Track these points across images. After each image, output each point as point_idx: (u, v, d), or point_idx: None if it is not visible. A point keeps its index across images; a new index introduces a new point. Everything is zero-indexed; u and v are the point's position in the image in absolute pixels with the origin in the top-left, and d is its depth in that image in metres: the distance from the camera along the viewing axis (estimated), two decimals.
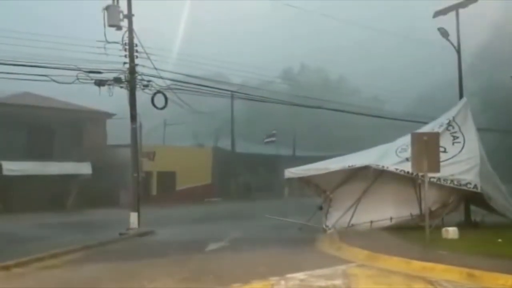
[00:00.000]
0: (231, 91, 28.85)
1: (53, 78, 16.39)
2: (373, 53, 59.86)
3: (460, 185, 14.11)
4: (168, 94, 19.06)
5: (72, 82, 17.03)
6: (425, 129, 15.86)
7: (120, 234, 16.33)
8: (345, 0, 58.79)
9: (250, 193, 40.71)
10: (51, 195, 28.69)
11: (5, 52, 16.91)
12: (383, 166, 14.87)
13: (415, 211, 15.17)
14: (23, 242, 14.29)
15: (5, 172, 27.14)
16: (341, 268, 9.44)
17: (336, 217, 15.83)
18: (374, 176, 15.36)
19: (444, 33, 17.15)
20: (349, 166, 15.57)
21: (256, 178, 42.49)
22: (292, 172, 17.09)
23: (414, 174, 13.25)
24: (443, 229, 12.69)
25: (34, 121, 29.34)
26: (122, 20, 17.55)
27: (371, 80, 52.59)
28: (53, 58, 17.38)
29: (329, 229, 15.38)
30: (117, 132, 30.66)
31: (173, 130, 44.75)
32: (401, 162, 14.62)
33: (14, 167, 27.42)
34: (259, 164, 42.82)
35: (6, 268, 10.18)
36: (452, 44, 17.31)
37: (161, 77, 19.05)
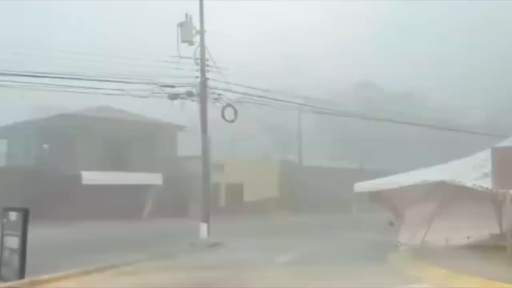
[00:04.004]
0: (299, 103, 28.81)
1: (130, 92, 17.18)
2: (448, 64, 57.58)
3: None
4: (237, 107, 19.40)
5: (147, 96, 17.80)
6: (507, 142, 15.00)
7: (191, 244, 16.66)
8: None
9: (318, 207, 40.27)
10: (125, 204, 29.83)
11: (86, 69, 17.96)
12: (459, 182, 14.19)
13: (495, 230, 14.35)
14: (100, 249, 14.92)
15: (84, 182, 28.58)
16: (416, 287, 9.10)
17: (409, 234, 15.25)
18: (449, 192, 14.70)
19: None
20: (422, 181, 15.01)
21: (324, 192, 42.01)
22: (362, 186, 16.71)
23: (495, 190, 12.56)
24: None
25: (111, 133, 30.78)
26: (194, 36, 18.15)
27: (446, 93, 50.70)
28: (128, 73, 18.24)
29: (402, 245, 14.87)
30: (187, 144, 31.52)
31: (241, 142, 45.32)
32: (480, 177, 13.89)
33: (92, 177, 28.83)
34: (327, 177, 42.35)
35: (87, 273, 10.73)
36: None
37: (231, 91, 19.43)
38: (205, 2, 18.49)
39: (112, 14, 55.24)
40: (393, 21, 56.22)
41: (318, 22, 62.62)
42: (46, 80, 17.16)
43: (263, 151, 46.30)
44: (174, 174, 31.92)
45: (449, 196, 14.74)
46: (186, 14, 18.21)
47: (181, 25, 18.01)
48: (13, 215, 9.72)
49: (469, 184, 13.99)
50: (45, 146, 30.70)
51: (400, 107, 36.47)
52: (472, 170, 14.57)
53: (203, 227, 17.79)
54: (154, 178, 31.46)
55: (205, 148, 18.94)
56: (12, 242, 9.59)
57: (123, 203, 29.70)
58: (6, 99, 28.91)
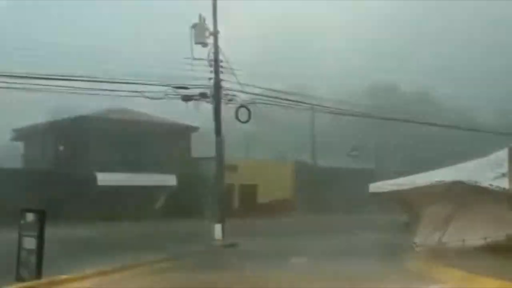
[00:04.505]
0: (313, 104, 28.74)
1: (145, 94, 17.31)
2: (465, 63, 56.82)
3: None
4: (251, 108, 19.44)
5: (161, 98, 17.92)
6: None
7: (206, 245, 16.71)
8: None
9: (332, 208, 40.10)
10: (140, 204, 30.04)
11: (101, 71, 18.14)
12: (475, 182, 14.01)
13: None
14: (116, 249, 15.00)
15: (99, 183, 28.83)
16: None
17: (425, 235, 15.10)
18: (466, 192, 14.52)
19: None
20: (438, 182, 14.85)
21: (338, 192, 41.82)
22: (377, 186, 16.59)
23: None
24: None
25: (125, 135, 30.99)
26: (208, 37, 18.21)
27: (463, 92, 50.06)
28: (142, 75, 18.38)
29: (418, 246, 14.73)
30: (201, 145, 31.63)
31: (255, 143, 45.29)
32: (497, 177, 13.71)
33: (107, 178, 29.07)
34: (341, 178, 42.14)
35: (104, 273, 10.80)
36: None
37: (245, 92, 19.48)
38: (218, 3, 18.54)
39: (124, 16, 55.58)
40: (408, 21, 55.75)
41: (333, 22, 62.33)
42: (61, 83, 17.37)
43: (277, 152, 46.20)
44: (188, 175, 32.03)
45: (466, 196, 14.56)
46: (200, 15, 18.30)
47: (194, 26, 18.08)
48: (30, 216, 9.84)
49: (485, 184, 13.82)
50: (61, 148, 31.03)
51: (415, 107, 36.14)
52: (489, 170, 14.38)
53: (218, 228, 17.84)
54: (169, 179, 31.63)
55: (219, 149, 18.99)
56: (29, 243, 9.70)
57: (138, 204, 29.92)
58: (23, 102, 29.28)
